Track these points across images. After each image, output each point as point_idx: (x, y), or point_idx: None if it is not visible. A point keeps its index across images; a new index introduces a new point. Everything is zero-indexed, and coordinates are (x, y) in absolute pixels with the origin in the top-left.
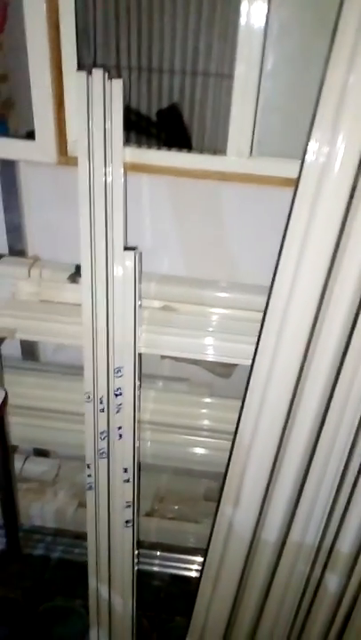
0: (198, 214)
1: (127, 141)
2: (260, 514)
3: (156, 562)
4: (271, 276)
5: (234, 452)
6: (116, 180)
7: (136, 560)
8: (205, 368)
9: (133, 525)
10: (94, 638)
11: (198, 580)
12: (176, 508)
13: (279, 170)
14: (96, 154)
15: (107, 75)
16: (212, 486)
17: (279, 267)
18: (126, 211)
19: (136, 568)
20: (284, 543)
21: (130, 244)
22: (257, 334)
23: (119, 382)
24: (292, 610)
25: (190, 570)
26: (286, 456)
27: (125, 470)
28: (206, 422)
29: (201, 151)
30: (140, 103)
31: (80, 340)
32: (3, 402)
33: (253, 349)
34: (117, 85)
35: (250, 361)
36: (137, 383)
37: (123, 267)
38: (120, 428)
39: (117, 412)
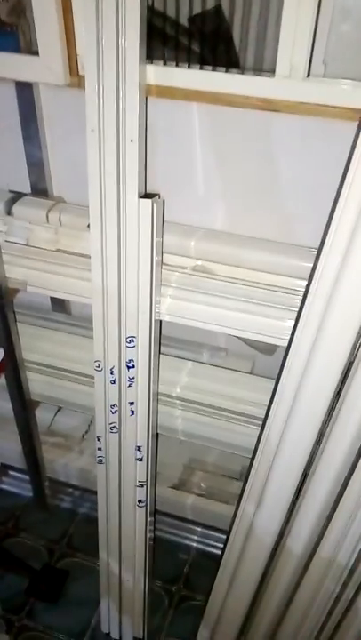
0: (242, 155)
1: (151, 57)
2: (287, 520)
3: (183, 533)
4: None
5: (260, 447)
6: (131, 106)
7: (150, 536)
8: (245, 341)
9: (147, 506)
10: (105, 609)
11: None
12: (207, 484)
13: (348, 97)
14: (107, 70)
15: None
16: None
17: (331, 225)
18: (145, 147)
19: (150, 537)
20: (311, 556)
21: (154, 188)
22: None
23: (131, 353)
24: (316, 625)
25: (219, 548)
26: (323, 459)
27: (139, 448)
28: (244, 406)
29: (243, 70)
30: (166, 4)
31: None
32: (2, 360)
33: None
34: None
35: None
36: (153, 355)
37: (137, 217)
38: (132, 403)
39: (129, 385)
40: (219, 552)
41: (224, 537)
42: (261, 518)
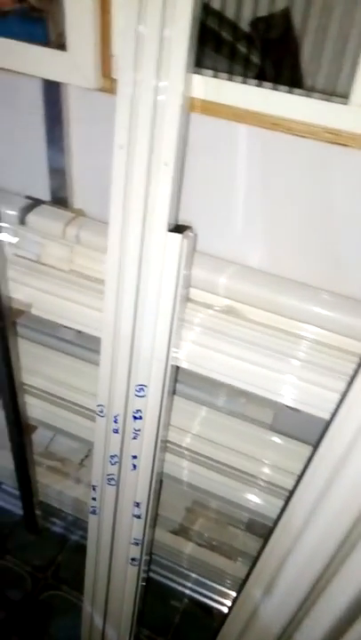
0: (294, 188)
1: (199, 65)
2: (298, 612)
3: (177, 578)
4: None
5: (278, 529)
6: (170, 122)
7: (141, 593)
8: None
9: (140, 565)
10: None
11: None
12: (209, 533)
13: None
14: (145, 75)
15: None
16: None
17: None
18: (182, 169)
19: (140, 596)
20: None
21: (184, 216)
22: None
23: (140, 403)
24: None
25: (214, 600)
26: (354, 556)
27: (137, 505)
28: (259, 468)
29: (310, 91)
30: (225, 5)
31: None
32: None
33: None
34: None
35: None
36: (164, 408)
37: (163, 252)
38: (135, 457)
39: (134, 437)
40: (214, 604)
41: (221, 589)
42: (269, 606)
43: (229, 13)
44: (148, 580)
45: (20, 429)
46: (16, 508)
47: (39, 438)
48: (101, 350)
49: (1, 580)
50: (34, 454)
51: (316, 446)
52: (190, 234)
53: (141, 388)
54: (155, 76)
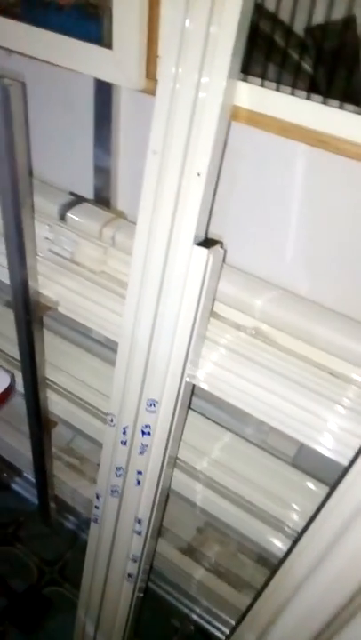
0: (345, 213)
1: (246, 71)
2: None
3: (179, 596)
4: None
5: (278, 575)
6: (206, 131)
7: (135, 609)
8: None
9: (136, 582)
10: None
11: None
12: (218, 558)
13: None
14: (184, 79)
15: None
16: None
17: None
18: (217, 182)
19: (134, 611)
20: None
21: (220, 231)
22: None
23: (150, 419)
24: None
25: (215, 627)
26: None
27: (139, 521)
28: (277, 507)
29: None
30: (279, 7)
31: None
32: (7, 389)
33: None
34: None
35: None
36: (175, 426)
37: (187, 266)
38: (140, 472)
39: (141, 452)
40: (214, 631)
41: (224, 617)
42: None
43: (284, 16)
44: (150, 591)
45: (40, 422)
46: (34, 497)
47: (63, 432)
48: (117, 357)
49: (8, 567)
50: (55, 448)
51: (331, 491)
52: (219, 249)
53: (152, 403)
54: (197, 71)
